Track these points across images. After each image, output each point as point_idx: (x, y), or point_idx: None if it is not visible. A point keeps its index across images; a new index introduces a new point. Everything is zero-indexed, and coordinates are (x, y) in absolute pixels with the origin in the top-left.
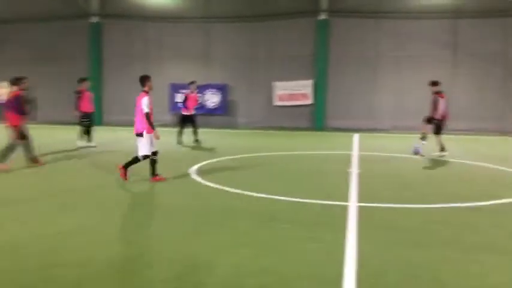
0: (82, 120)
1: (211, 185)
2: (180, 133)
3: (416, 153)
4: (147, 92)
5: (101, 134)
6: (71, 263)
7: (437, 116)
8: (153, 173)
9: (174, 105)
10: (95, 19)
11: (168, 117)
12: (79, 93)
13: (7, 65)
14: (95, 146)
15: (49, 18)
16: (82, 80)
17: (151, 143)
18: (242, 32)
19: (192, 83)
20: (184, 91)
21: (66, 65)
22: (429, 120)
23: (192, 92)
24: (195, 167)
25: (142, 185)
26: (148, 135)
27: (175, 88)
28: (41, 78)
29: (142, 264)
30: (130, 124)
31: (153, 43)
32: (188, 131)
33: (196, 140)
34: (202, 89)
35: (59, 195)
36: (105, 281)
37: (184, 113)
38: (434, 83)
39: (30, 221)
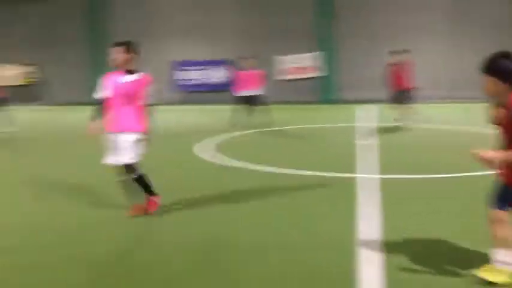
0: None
1: (215, 161)
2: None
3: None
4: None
5: None
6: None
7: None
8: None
9: (176, 83)
10: None
11: (171, 95)
12: None
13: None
14: None
15: None
16: None
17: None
18: (238, 6)
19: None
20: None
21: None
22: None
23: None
24: (204, 143)
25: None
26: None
27: (177, 65)
28: (41, 61)
29: (146, 247)
30: None
31: (153, 19)
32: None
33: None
34: (205, 64)
35: None
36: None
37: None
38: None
39: None
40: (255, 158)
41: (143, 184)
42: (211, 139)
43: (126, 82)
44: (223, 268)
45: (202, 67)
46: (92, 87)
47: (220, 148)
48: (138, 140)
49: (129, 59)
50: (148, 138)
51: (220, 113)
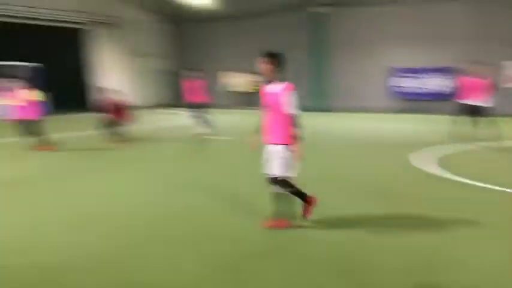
0: None
1: (440, 173)
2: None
3: None
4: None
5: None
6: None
7: None
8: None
9: (393, 91)
10: (315, 9)
11: (389, 103)
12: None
13: (241, 57)
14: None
15: (272, 12)
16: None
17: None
18: (469, 10)
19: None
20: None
21: (288, 55)
22: None
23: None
24: (421, 153)
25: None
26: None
27: (396, 73)
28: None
29: (371, 249)
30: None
31: (373, 28)
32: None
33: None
34: (424, 72)
35: None
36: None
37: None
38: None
39: None
40: (480, 174)
41: (296, 194)
42: (428, 150)
43: (271, 93)
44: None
45: (420, 74)
46: (310, 95)
47: (440, 160)
48: (288, 152)
49: (273, 69)
50: (298, 150)
51: (439, 123)
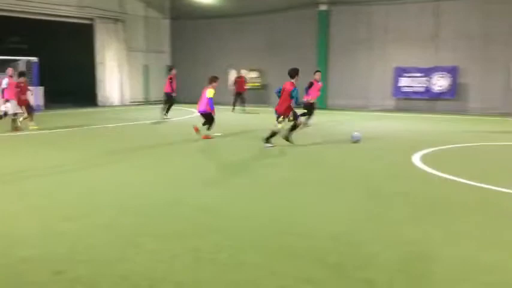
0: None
1: (436, 172)
2: None
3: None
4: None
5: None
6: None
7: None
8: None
9: (397, 90)
10: (323, 7)
11: (391, 102)
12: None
13: (246, 53)
14: None
15: (282, 9)
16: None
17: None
18: (473, 9)
19: None
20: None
21: (297, 53)
22: None
23: None
24: (419, 153)
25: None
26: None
27: (400, 72)
28: (271, 65)
29: (353, 244)
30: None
31: (378, 26)
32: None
33: None
34: (428, 72)
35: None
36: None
37: None
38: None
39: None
40: (491, 176)
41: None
42: (432, 149)
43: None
44: (427, 279)
45: (423, 74)
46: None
47: (443, 159)
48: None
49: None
50: None
51: (444, 122)
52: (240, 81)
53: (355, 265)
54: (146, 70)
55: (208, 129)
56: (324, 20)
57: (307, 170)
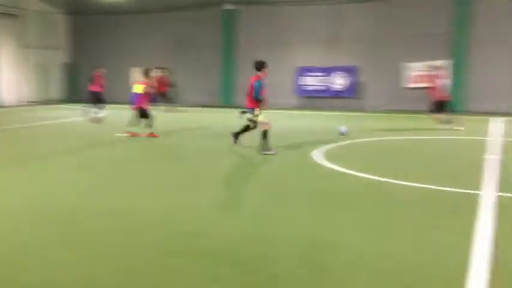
0: None
1: (336, 168)
2: None
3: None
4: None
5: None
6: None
7: None
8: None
9: (299, 89)
10: (228, 6)
11: (294, 101)
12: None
13: (151, 51)
14: None
15: (187, 7)
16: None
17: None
18: (370, 12)
19: None
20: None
21: (203, 52)
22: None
23: None
24: (320, 149)
25: (265, 165)
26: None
27: (302, 71)
28: (178, 64)
29: (261, 241)
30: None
31: (283, 27)
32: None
33: None
34: (329, 71)
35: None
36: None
37: None
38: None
39: None
40: (371, 167)
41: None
42: (329, 145)
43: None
44: (327, 269)
45: (324, 73)
46: (220, 91)
47: (334, 155)
48: None
49: None
50: None
51: (343, 119)
52: (160, 80)
53: (259, 262)
54: (43, 68)
55: (147, 126)
56: (229, 19)
57: (207, 172)
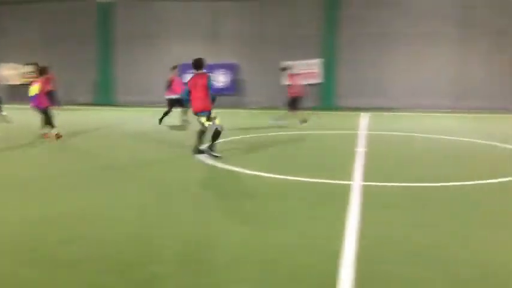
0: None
1: (217, 164)
2: None
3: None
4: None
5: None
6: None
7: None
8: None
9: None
10: None
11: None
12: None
13: (15, 46)
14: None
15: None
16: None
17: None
18: (250, 11)
19: None
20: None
21: (76, 47)
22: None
23: None
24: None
25: (144, 165)
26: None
27: (184, 68)
28: (51, 59)
29: (143, 242)
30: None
31: (162, 23)
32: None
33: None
34: (211, 68)
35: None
36: (105, 259)
37: None
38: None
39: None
40: (250, 162)
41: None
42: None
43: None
44: (205, 268)
45: (207, 70)
46: (97, 88)
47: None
48: None
49: None
50: None
51: (226, 116)
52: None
53: (140, 262)
54: None
55: (50, 126)
56: (104, 13)
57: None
